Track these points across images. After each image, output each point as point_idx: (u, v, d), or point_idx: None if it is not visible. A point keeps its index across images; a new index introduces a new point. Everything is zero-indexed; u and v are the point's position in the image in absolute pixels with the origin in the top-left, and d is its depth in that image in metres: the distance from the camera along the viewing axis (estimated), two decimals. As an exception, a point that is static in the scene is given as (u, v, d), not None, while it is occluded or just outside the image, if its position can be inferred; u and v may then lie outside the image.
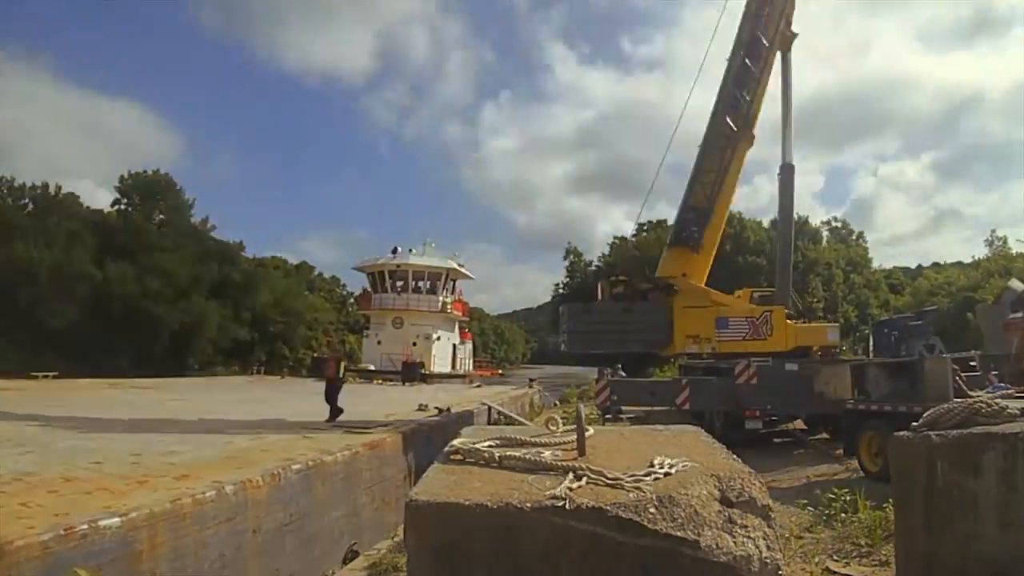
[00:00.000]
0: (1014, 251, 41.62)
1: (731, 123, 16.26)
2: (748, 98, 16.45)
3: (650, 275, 16.56)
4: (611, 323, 15.13)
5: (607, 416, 13.38)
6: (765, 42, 16.59)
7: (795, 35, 17.31)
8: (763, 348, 14.31)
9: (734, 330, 14.72)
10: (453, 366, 33.41)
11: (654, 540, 1.94)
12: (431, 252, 34.81)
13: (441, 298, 33.23)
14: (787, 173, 16.97)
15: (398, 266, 32.97)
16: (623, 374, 14.70)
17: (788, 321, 14.68)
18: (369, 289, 34.52)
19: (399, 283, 33.17)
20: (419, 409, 14.81)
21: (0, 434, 8.89)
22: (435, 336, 31.76)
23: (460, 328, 35.96)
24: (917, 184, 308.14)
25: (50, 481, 5.97)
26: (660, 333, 14.89)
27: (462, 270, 35.34)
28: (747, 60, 16.62)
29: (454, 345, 34.37)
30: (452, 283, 34.66)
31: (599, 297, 17.08)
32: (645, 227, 58.62)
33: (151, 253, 42.91)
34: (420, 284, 33.23)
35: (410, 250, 34.17)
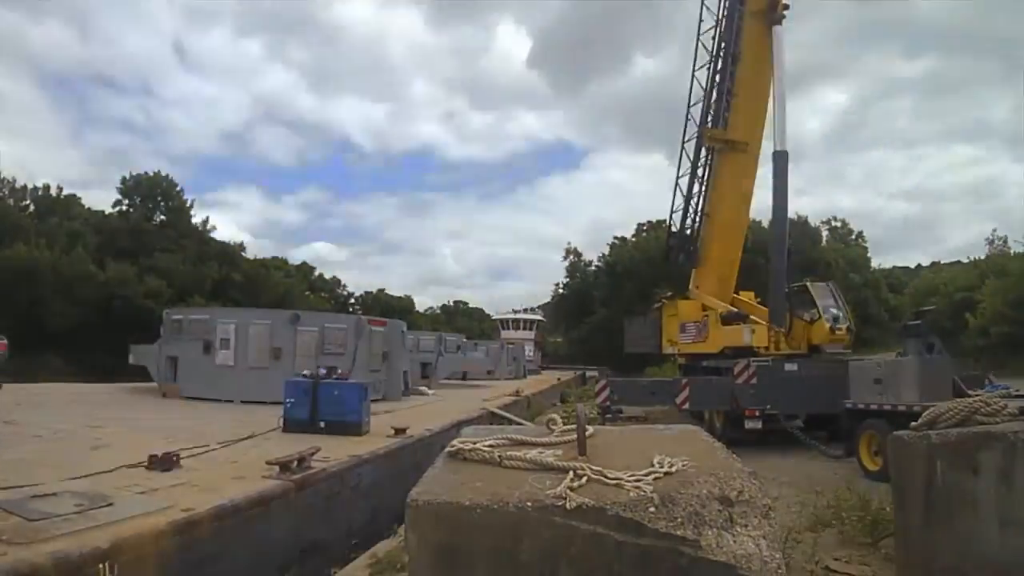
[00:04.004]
0: (1012, 251, 41.52)
1: (704, 125, 16.34)
2: (721, 105, 15.96)
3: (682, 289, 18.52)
4: (638, 331, 20.56)
5: (607, 416, 13.39)
6: (739, 19, 15.51)
7: (786, 6, 15.27)
8: (703, 348, 16.16)
9: (688, 334, 17.00)
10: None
11: (654, 539, 1.95)
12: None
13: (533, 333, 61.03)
14: (780, 161, 14.92)
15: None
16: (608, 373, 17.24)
17: (720, 324, 15.50)
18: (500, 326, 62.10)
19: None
20: None
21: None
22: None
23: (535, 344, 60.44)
24: None
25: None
26: (654, 338, 18.77)
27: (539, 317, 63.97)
28: (724, 61, 15.96)
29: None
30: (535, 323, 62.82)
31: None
32: (644, 227, 58.62)
33: (152, 254, 42.95)
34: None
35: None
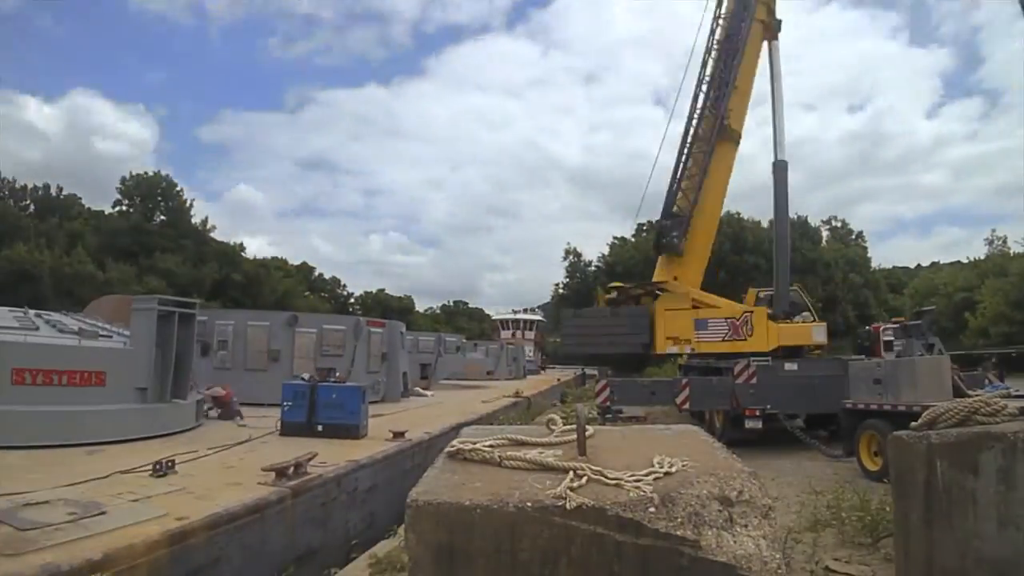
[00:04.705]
0: (1012, 251, 41.54)
1: (706, 122, 16.35)
2: (721, 94, 16.23)
3: (646, 280, 17.13)
4: (601, 327, 16.13)
5: (607, 416, 13.38)
6: (744, 30, 16.30)
7: (779, 22, 16.90)
8: (744, 348, 14.54)
9: (713, 331, 15.19)
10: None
11: (654, 539, 1.95)
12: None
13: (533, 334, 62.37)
14: (779, 171, 16.05)
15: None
16: (608, 373, 16.35)
17: (771, 322, 14.70)
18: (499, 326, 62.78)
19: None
20: None
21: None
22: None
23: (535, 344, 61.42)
24: None
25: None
26: (643, 335, 15.55)
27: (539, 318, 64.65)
28: (724, 51, 16.53)
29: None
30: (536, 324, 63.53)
31: (596, 303, 18.20)
32: (644, 228, 58.68)
33: (152, 254, 42.98)
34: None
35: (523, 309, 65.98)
